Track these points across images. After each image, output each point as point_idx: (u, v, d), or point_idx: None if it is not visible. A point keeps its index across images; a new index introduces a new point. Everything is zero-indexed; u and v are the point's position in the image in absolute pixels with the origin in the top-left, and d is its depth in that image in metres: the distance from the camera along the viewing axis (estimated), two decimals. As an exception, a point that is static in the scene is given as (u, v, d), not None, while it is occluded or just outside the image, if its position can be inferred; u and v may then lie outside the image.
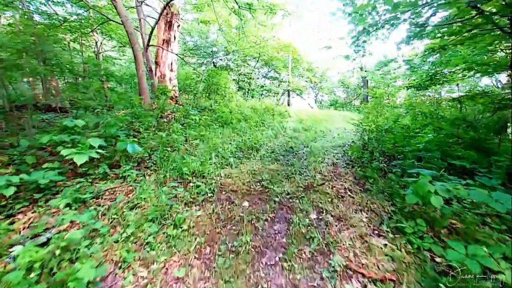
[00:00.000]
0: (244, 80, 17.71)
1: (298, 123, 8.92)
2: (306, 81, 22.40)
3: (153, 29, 7.37)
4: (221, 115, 7.62)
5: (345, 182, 3.82)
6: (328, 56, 34.60)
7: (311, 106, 26.59)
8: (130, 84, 12.28)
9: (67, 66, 6.79)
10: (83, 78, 8.06)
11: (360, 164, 4.52)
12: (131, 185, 3.33)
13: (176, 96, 9.00)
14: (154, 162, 4.10)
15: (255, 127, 7.36)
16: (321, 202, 3.16)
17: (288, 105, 21.31)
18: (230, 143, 5.61)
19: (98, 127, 4.39)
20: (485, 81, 11.65)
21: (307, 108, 17.08)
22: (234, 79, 19.45)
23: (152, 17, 9.21)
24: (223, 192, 3.41)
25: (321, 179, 3.91)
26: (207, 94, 10.90)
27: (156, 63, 8.64)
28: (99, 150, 3.28)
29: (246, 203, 3.14)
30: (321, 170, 4.34)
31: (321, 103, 26.03)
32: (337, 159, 5.06)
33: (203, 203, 3.13)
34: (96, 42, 11.13)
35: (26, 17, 7.77)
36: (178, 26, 8.80)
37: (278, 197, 3.31)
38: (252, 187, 3.60)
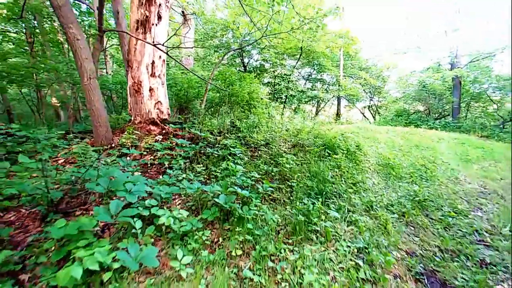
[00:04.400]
0: (281, 84, 13.55)
1: (389, 178, 4.46)
2: (361, 84, 17.30)
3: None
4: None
5: None
6: (387, 49, 28.29)
7: (366, 117, 21.21)
8: (121, 95, 9.06)
9: None
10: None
11: None
12: None
13: (163, 119, 5.28)
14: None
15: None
16: None
17: (338, 116, 16.53)
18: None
19: None
20: None
21: (368, 126, 12.15)
22: (268, 83, 15.49)
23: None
24: None
25: None
26: (228, 109, 7.07)
27: (127, 63, 5.02)
28: None
29: None
30: None
31: (379, 113, 20.49)
32: None
33: None
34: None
35: None
36: (169, -2, 5.10)
37: None
38: None
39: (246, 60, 15.41)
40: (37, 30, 8.63)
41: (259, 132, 6.03)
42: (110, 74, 10.81)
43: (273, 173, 3.73)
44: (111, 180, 2.28)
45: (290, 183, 3.49)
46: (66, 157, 4.21)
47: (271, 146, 5.26)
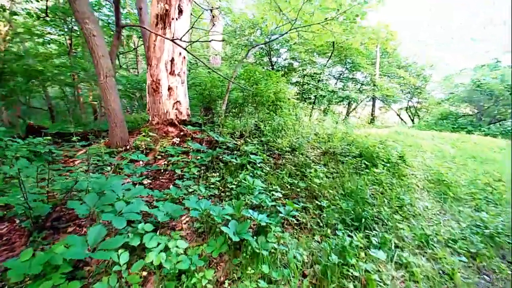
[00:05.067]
0: (310, 84, 12.76)
1: (445, 200, 3.63)
2: (399, 83, 15.74)
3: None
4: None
5: None
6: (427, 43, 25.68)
7: (403, 120, 19.39)
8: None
9: None
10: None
11: None
12: None
13: (182, 120, 4.96)
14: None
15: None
16: None
17: (372, 118, 15.23)
18: None
19: None
20: None
21: (407, 130, 10.88)
22: (296, 82, 14.73)
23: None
24: None
25: None
26: (252, 109, 6.60)
27: (147, 60, 4.77)
28: None
29: None
30: None
31: (418, 116, 18.59)
32: None
33: None
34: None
35: None
36: (191, -9, 4.76)
37: None
38: None
39: (274, 59, 14.82)
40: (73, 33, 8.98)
41: (284, 135, 5.46)
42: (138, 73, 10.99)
43: (298, 189, 3.15)
44: (102, 196, 1.90)
45: (319, 202, 2.89)
46: (82, 158, 4.05)
47: (297, 152, 4.66)
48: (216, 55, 11.95)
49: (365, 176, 3.64)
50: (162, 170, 3.66)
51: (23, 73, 7.34)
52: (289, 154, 4.41)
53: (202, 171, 3.47)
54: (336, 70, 16.70)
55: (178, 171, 3.23)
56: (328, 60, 12.91)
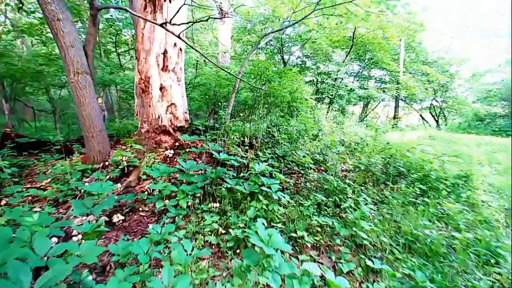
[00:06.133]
0: (326, 82, 11.62)
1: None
2: (425, 81, 14.29)
3: None
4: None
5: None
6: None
7: (426, 121, 17.82)
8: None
9: None
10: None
11: None
12: None
13: (178, 127, 4.02)
14: None
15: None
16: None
17: (395, 120, 13.87)
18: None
19: None
20: None
21: (440, 133, 9.57)
22: (310, 81, 13.57)
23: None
24: None
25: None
26: (264, 112, 5.60)
27: (135, 53, 3.87)
28: None
29: None
30: None
31: (444, 117, 17.00)
32: None
33: None
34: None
35: None
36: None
37: None
38: None
39: (286, 57, 13.76)
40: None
41: (303, 143, 4.44)
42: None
43: (335, 236, 2.12)
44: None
45: (372, 264, 1.84)
46: (50, 177, 3.18)
47: (322, 167, 3.63)
48: (224, 52, 11.06)
49: (422, 208, 2.58)
50: (145, 197, 2.73)
51: (22, 75, 6.61)
52: (313, 171, 3.39)
53: (197, 201, 2.51)
54: (352, 68, 15.42)
55: (161, 204, 2.27)
56: (346, 56, 11.71)
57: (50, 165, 3.48)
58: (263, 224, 1.71)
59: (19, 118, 9.70)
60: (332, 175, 2.98)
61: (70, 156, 3.64)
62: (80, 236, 1.99)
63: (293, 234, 2.04)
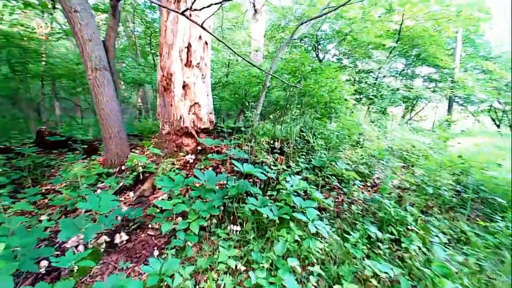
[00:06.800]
0: (367, 81, 10.50)
1: None
2: (485, 80, 12.27)
3: None
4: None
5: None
6: None
7: (484, 125, 15.42)
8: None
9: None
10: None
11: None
12: None
13: (202, 129, 3.64)
14: None
15: None
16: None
17: (448, 123, 12.12)
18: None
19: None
20: None
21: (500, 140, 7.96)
22: (347, 80, 12.48)
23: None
24: None
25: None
26: (299, 112, 5.01)
27: (158, 48, 3.58)
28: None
29: None
30: None
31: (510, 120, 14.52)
32: None
33: None
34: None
35: None
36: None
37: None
38: None
39: (321, 55, 12.86)
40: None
41: (343, 150, 3.79)
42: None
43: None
44: None
45: None
46: (67, 181, 3.01)
47: (368, 182, 2.96)
48: (256, 51, 10.64)
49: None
50: (155, 213, 2.36)
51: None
52: (358, 188, 2.74)
53: (214, 221, 2.06)
54: (396, 66, 13.86)
55: (168, 227, 1.86)
56: (391, 52, 10.47)
57: (71, 166, 3.34)
58: (293, 270, 1.18)
59: (67, 116, 10.39)
60: (386, 198, 2.30)
61: (92, 157, 3.49)
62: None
63: (337, 287, 1.47)
